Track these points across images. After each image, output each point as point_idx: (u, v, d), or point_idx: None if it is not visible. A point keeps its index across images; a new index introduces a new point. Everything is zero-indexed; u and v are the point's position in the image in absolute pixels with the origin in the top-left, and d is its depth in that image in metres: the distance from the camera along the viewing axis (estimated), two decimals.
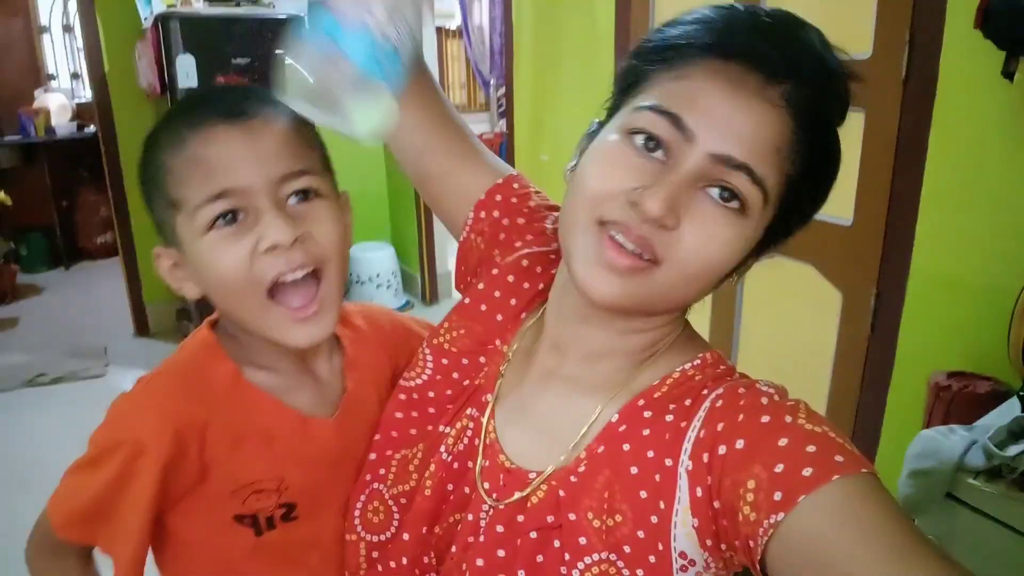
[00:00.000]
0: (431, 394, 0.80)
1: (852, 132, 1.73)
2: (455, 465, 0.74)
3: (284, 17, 3.45)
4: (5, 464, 2.95)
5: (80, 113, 5.66)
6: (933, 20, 1.59)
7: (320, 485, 0.76)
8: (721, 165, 0.58)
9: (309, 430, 0.76)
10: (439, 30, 5.13)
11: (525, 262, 0.81)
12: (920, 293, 1.70)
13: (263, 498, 0.72)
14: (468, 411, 0.76)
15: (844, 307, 1.88)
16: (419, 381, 0.80)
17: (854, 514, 0.52)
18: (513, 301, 0.80)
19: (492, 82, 7.43)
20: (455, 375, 0.79)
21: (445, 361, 0.80)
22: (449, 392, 0.79)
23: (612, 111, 0.67)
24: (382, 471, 0.78)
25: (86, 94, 5.68)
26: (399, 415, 0.80)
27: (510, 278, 0.81)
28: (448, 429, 0.76)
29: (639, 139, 0.61)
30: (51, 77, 5.99)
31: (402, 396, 0.81)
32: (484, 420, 0.74)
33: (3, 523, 2.51)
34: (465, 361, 0.80)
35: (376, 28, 0.55)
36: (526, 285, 0.81)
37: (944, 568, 0.48)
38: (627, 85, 0.66)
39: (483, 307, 0.81)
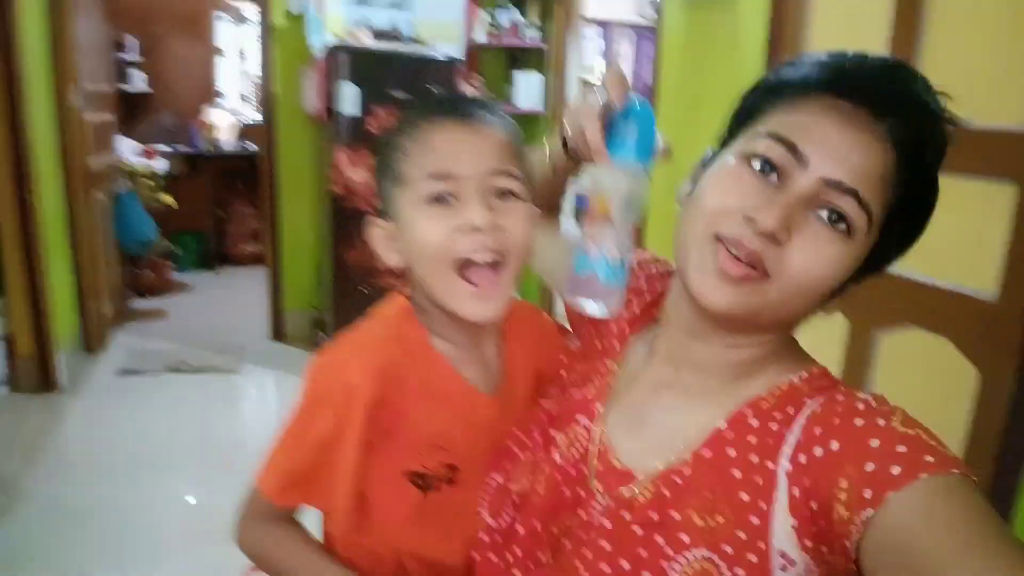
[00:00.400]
0: (551, 405, 0.88)
1: (1001, 204, 1.71)
2: (570, 469, 0.79)
3: (441, 58, 3.66)
4: (142, 440, 3.19)
5: (244, 132, 6.13)
6: None
7: (475, 456, 0.85)
8: (831, 189, 0.65)
9: (474, 401, 0.84)
10: (580, 81, 5.28)
11: (651, 272, 0.92)
12: None
13: (435, 455, 0.81)
14: (580, 419, 0.82)
15: (981, 387, 1.82)
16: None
17: (940, 511, 0.54)
18: (623, 325, 0.89)
19: None
20: (573, 390, 0.88)
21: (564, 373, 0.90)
22: (564, 403, 0.87)
23: (726, 141, 0.75)
24: (507, 464, 0.85)
25: (251, 115, 6.15)
26: (533, 428, 0.88)
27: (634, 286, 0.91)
28: (560, 436, 0.83)
29: (756, 163, 0.68)
30: (221, 96, 6.51)
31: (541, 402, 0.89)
32: (596, 428, 0.80)
33: (133, 493, 2.74)
34: (575, 377, 0.89)
35: (611, 255, 0.74)
36: (636, 310, 0.89)
37: None
38: (744, 117, 0.74)
39: (597, 343, 0.91)
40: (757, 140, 0.69)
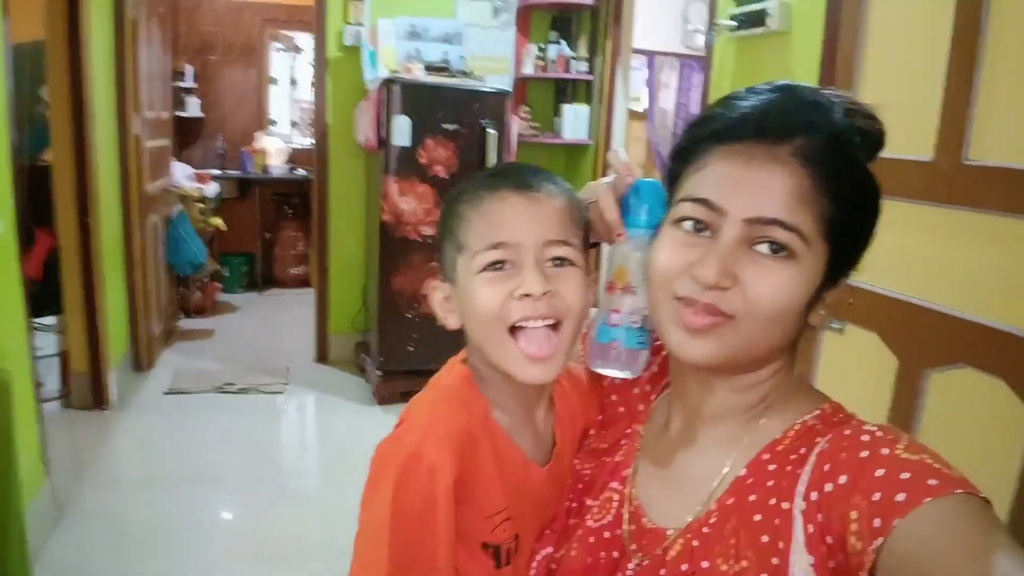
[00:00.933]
0: (584, 470, 0.91)
1: None
2: (604, 534, 0.81)
3: (491, 90, 3.72)
4: (190, 458, 3.26)
5: (293, 158, 6.26)
6: None
7: (532, 526, 0.86)
8: (757, 225, 0.68)
9: (529, 473, 0.86)
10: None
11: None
12: None
13: (507, 527, 0.82)
14: (611, 484, 0.84)
15: None
16: (583, 463, 0.92)
17: (945, 530, 0.55)
18: (646, 387, 0.92)
19: (670, 164, 7.52)
20: (604, 458, 0.90)
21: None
22: (596, 470, 0.89)
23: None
24: (547, 532, 0.87)
25: (300, 141, 6.29)
26: (570, 496, 0.90)
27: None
28: (593, 502, 0.85)
29: (687, 225, 0.73)
30: (272, 122, 6.67)
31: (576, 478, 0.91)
32: (627, 491, 0.82)
33: (180, 510, 2.80)
34: (605, 445, 0.91)
35: (633, 322, 0.81)
36: (655, 368, 0.92)
37: None
38: (671, 185, 0.79)
39: (621, 409, 0.94)
40: (679, 205, 0.74)
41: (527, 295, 0.78)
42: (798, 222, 0.68)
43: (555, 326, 0.80)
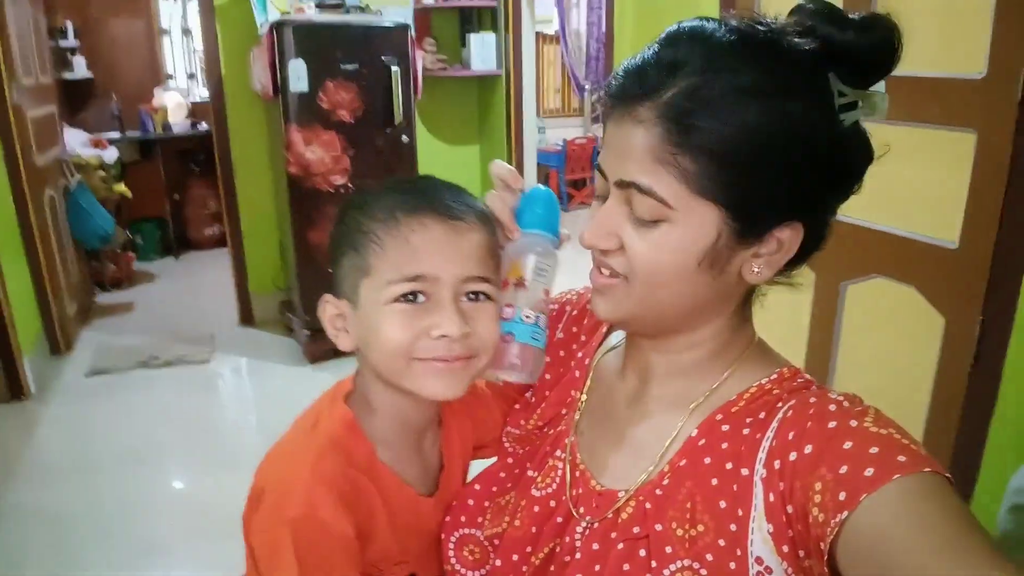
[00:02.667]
0: (521, 450, 0.88)
1: (963, 153, 1.70)
2: (550, 503, 0.79)
3: (391, 25, 3.56)
4: (121, 439, 3.16)
5: (194, 111, 5.96)
6: None
7: (427, 556, 0.84)
8: (625, 188, 0.68)
9: (419, 509, 0.82)
10: (537, 35, 5.19)
11: (572, 314, 0.94)
12: None
13: (402, 569, 0.80)
14: (556, 453, 0.82)
15: (946, 333, 1.84)
16: (516, 446, 0.89)
17: (913, 511, 0.54)
18: (579, 354, 0.89)
19: (587, 87, 7.45)
20: (545, 429, 0.87)
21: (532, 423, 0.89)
22: (538, 444, 0.86)
23: None
24: (479, 519, 0.84)
25: (200, 93, 5.99)
26: (502, 474, 0.87)
27: (563, 337, 0.93)
28: (535, 473, 0.83)
29: (597, 190, 0.75)
30: (169, 77, 6.33)
31: (505, 456, 0.89)
32: (567, 456, 0.81)
33: (119, 493, 2.72)
34: (542, 423, 0.88)
35: (526, 317, 0.78)
36: (583, 337, 0.91)
37: (997, 564, 0.50)
38: None
39: (548, 377, 0.90)
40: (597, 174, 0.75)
41: (444, 337, 0.72)
42: (653, 184, 0.65)
43: (466, 360, 0.75)
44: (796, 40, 0.64)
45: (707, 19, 0.67)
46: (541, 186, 0.82)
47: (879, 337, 2.05)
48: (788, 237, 0.68)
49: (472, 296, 0.75)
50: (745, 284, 0.71)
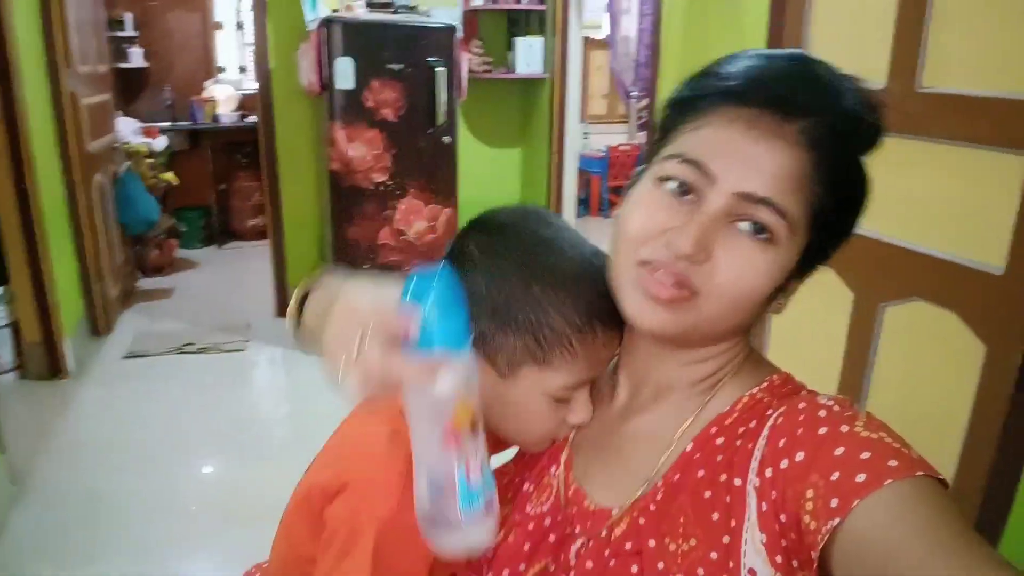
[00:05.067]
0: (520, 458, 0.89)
1: (1012, 175, 1.66)
2: (545, 521, 0.78)
3: (438, 25, 3.58)
4: (154, 422, 3.22)
5: (243, 104, 6.07)
6: None
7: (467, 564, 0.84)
8: (745, 201, 0.63)
9: None
10: (585, 40, 5.18)
11: None
12: None
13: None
14: (552, 469, 0.82)
15: (987, 361, 1.79)
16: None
17: (906, 515, 0.53)
18: None
19: (634, 94, 7.42)
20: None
21: None
22: (533, 464, 0.86)
23: (650, 158, 0.73)
24: None
25: (251, 86, 6.09)
26: (504, 481, 0.87)
27: None
28: (531, 487, 0.82)
29: (670, 185, 0.66)
30: (221, 69, 6.44)
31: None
32: (561, 473, 0.80)
33: (149, 475, 2.77)
34: None
35: (468, 480, 0.63)
36: None
37: (992, 567, 0.49)
38: (661, 136, 0.71)
39: None
40: (667, 162, 0.67)
41: (579, 425, 0.80)
42: (788, 206, 0.63)
43: None
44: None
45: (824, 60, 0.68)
46: (415, 274, 0.62)
47: (916, 362, 2.00)
48: (805, 279, 0.71)
49: None
50: (764, 312, 0.71)
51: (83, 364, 3.64)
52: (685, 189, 0.66)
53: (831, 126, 0.63)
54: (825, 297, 2.16)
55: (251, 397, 3.71)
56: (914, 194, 1.92)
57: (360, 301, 0.64)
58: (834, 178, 0.64)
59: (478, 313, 0.73)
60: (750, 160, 0.63)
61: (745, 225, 0.63)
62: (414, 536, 0.68)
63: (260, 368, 3.93)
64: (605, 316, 0.74)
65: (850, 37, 2.08)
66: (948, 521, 0.53)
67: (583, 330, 0.74)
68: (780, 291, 0.68)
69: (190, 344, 3.94)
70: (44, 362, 3.45)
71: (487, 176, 4.54)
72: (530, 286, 0.74)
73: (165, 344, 3.95)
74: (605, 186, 7.26)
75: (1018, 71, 1.70)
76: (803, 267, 0.68)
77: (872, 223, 2.15)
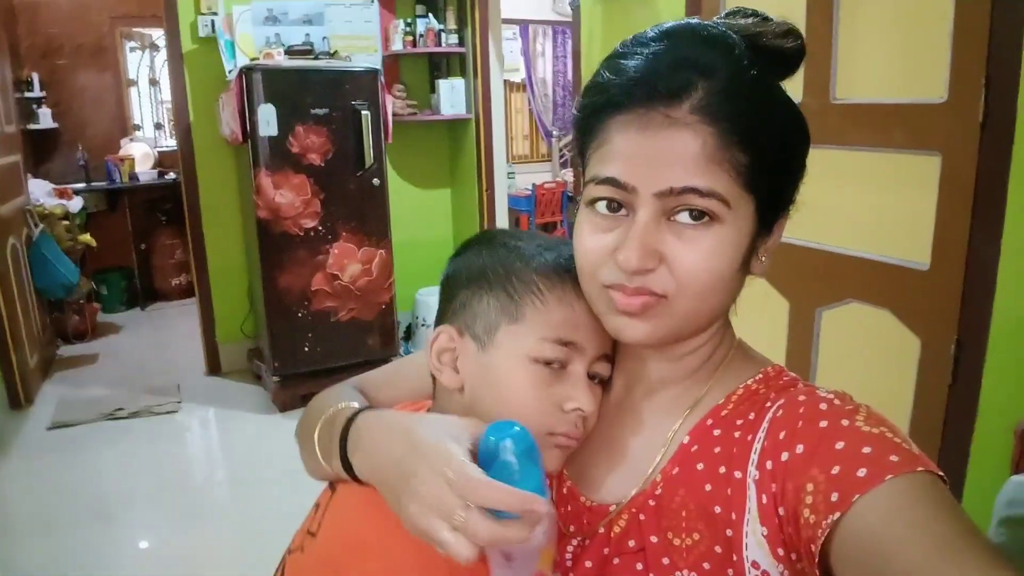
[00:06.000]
0: None
1: (929, 175, 1.73)
2: None
3: (360, 69, 3.58)
4: (86, 494, 3.05)
5: (161, 160, 5.94)
6: (1010, 61, 1.58)
7: None
8: (670, 196, 0.62)
9: None
10: (505, 83, 5.26)
11: None
12: (1003, 339, 1.66)
13: None
14: None
15: (923, 355, 1.85)
16: None
17: (906, 511, 0.53)
18: None
19: (555, 133, 7.57)
20: None
21: None
22: None
23: (582, 184, 0.72)
24: None
25: (168, 143, 5.97)
26: None
27: None
28: None
29: (600, 206, 0.67)
30: (136, 127, 6.29)
31: None
32: (557, 474, 0.78)
33: (82, 551, 2.61)
34: None
35: None
36: None
37: (994, 564, 0.49)
38: (581, 159, 0.72)
39: None
40: (589, 187, 0.68)
41: (581, 414, 0.72)
42: (712, 184, 0.61)
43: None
44: (773, 41, 0.66)
45: (691, 19, 0.67)
46: (510, 429, 0.61)
47: (856, 361, 2.06)
48: (781, 225, 0.70)
49: (595, 379, 0.75)
50: (742, 282, 0.70)
51: (4, 438, 3.44)
52: (615, 205, 0.66)
53: (719, 91, 0.61)
54: (764, 306, 2.20)
55: (186, 460, 3.54)
56: (840, 201, 1.99)
57: (435, 452, 0.60)
58: (749, 136, 0.62)
59: (456, 289, 0.77)
60: (655, 158, 0.62)
61: (683, 216, 0.63)
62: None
63: (194, 429, 3.78)
64: (573, 274, 0.72)
65: None
66: (949, 517, 0.53)
67: (550, 277, 0.73)
68: (749, 256, 0.67)
69: (120, 410, 3.76)
70: None
71: (419, 217, 4.52)
72: (502, 254, 0.76)
73: (92, 411, 3.76)
74: (533, 223, 7.33)
75: (926, 76, 1.79)
76: (766, 221, 0.67)
77: (801, 232, 2.24)
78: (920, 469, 0.55)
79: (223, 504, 3.05)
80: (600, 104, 0.66)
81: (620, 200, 0.65)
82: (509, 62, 6.96)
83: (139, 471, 3.24)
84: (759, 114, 0.63)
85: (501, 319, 0.73)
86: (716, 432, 0.69)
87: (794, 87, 2.09)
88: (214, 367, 4.30)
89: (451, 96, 4.38)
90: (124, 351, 4.89)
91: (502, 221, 4.58)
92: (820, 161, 2.18)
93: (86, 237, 5.00)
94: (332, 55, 3.70)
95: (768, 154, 0.64)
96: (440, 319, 0.79)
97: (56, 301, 4.74)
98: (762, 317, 2.21)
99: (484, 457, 0.60)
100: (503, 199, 4.67)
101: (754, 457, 0.64)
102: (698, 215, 0.63)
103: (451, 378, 0.76)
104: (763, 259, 0.69)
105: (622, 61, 0.65)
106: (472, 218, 4.54)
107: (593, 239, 0.67)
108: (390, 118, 3.79)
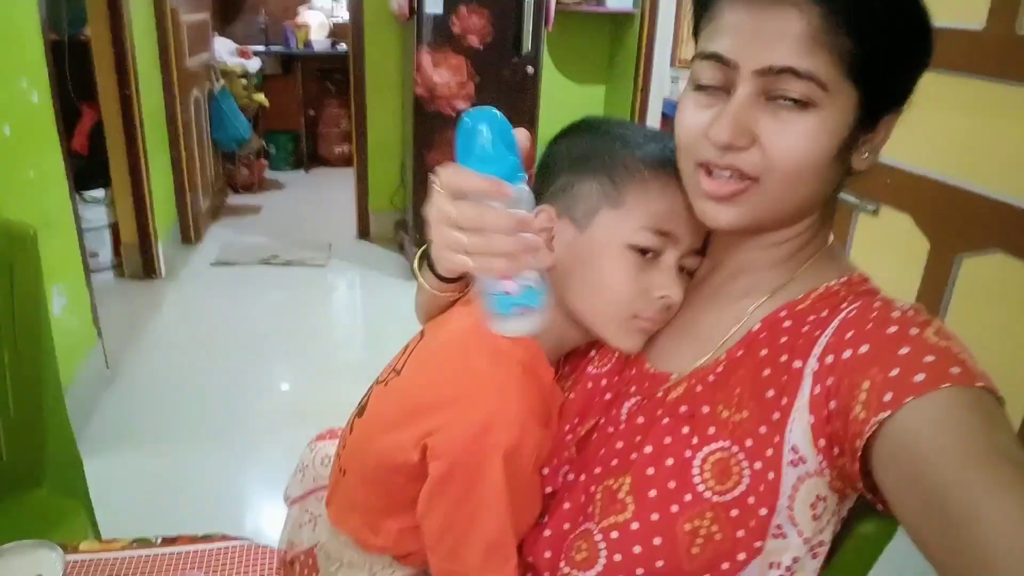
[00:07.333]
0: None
1: None
2: (602, 381, 0.82)
3: None
4: (236, 326, 3.42)
5: (335, 31, 6.15)
6: None
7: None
8: (768, 76, 0.63)
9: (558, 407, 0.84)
10: None
11: None
12: None
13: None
14: None
15: None
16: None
17: (954, 421, 0.54)
18: None
19: None
20: None
21: None
22: None
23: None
24: None
25: (342, 15, 6.17)
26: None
27: None
28: (594, 351, 0.85)
29: (704, 81, 0.68)
30: None
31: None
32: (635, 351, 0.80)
33: (226, 373, 2.95)
34: None
35: (534, 280, 0.69)
36: None
37: None
38: (695, 36, 0.73)
39: None
40: (694, 64, 0.70)
41: (669, 304, 0.76)
42: (813, 67, 0.62)
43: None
44: None
45: None
46: (487, 113, 0.66)
47: (992, 315, 1.95)
48: (890, 123, 0.69)
49: (681, 269, 0.78)
50: (842, 176, 0.71)
51: (173, 268, 3.86)
52: (717, 85, 0.67)
53: None
54: (902, 244, 2.12)
55: (328, 312, 3.87)
56: (1003, 142, 1.86)
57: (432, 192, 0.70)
58: (856, 21, 0.62)
59: (557, 171, 0.79)
60: (760, 36, 0.63)
61: (780, 100, 0.64)
62: (534, 460, 0.73)
63: (339, 285, 4.08)
64: (674, 166, 0.74)
65: None
66: (996, 434, 0.54)
67: (654, 167, 0.75)
68: (849, 147, 0.67)
69: (275, 257, 4.12)
70: (139, 263, 3.68)
71: (569, 109, 4.47)
72: (607, 139, 0.78)
73: (251, 255, 4.14)
74: None
75: None
76: (871, 115, 0.67)
77: (955, 171, 2.10)
78: (979, 385, 0.56)
79: (352, 357, 3.32)
80: None
81: (721, 80, 0.67)
82: None
83: (284, 315, 3.57)
84: (879, 5, 0.63)
85: (602, 203, 0.75)
86: (787, 324, 0.71)
87: (977, 13, 1.97)
88: (364, 232, 4.57)
89: None
90: (285, 206, 5.27)
91: (653, 123, 4.50)
92: (991, 96, 2.03)
93: (260, 97, 5.34)
94: None
95: (877, 43, 0.63)
96: (538, 200, 0.78)
97: (229, 153, 5.14)
98: (900, 255, 2.13)
99: (464, 139, 0.66)
100: (657, 103, 4.57)
101: (817, 350, 0.66)
102: (795, 99, 0.63)
103: (546, 257, 0.74)
104: (866, 155, 0.69)
105: None
106: (623, 116, 4.49)
107: (693, 115, 0.69)
108: (552, 4, 3.77)
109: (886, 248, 2.17)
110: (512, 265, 0.66)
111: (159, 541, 1.04)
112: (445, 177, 0.66)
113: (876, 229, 2.18)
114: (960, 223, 1.99)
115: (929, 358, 0.58)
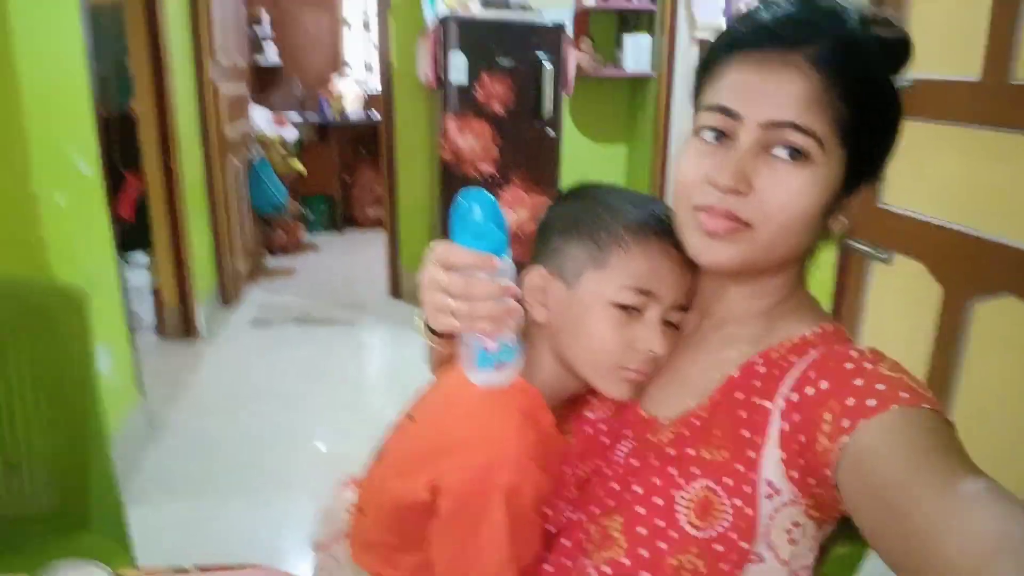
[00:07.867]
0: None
1: None
2: (600, 425, 0.88)
3: (547, 23, 3.74)
4: (277, 385, 3.53)
5: (369, 102, 6.42)
6: None
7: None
8: (772, 129, 0.70)
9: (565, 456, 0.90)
10: (700, 42, 5.20)
11: None
12: None
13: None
14: None
15: None
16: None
17: (906, 438, 0.59)
18: None
19: None
20: None
21: None
22: None
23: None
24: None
25: (375, 86, 6.44)
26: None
27: None
28: (593, 398, 0.92)
29: (707, 134, 0.75)
30: (347, 66, 6.82)
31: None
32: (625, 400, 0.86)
33: (262, 429, 3.05)
34: None
35: (511, 339, 0.79)
36: None
37: (984, 492, 0.53)
38: (695, 99, 0.81)
39: None
40: (700, 115, 0.76)
41: (652, 356, 0.81)
42: (812, 124, 0.69)
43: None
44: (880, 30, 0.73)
45: None
46: (478, 195, 0.76)
47: (1006, 359, 1.96)
48: (863, 194, 0.76)
49: (671, 325, 0.84)
50: (819, 236, 0.77)
51: (213, 328, 4.01)
52: (720, 134, 0.73)
53: (835, 47, 0.69)
54: (915, 292, 2.14)
55: (360, 368, 3.97)
56: (1007, 188, 1.91)
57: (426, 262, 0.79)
58: (851, 93, 0.69)
59: (550, 234, 0.87)
60: (767, 92, 0.70)
61: (779, 151, 0.70)
62: (533, 500, 0.79)
63: (371, 343, 4.20)
64: (662, 233, 0.80)
65: (945, 31, 2.08)
66: (943, 443, 0.58)
67: (635, 231, 0.81)
68: (831, 209, 0.74)
69: (309, 316, 4.26)
70: (179, 324, 3.84)
71: (591, 170, 4.63)
72: (594, 206, 0.85)
73: (287, 315, 4.30)
74: None
75: None
76: (851, 183, 0.74)
77: (963, 217, 2.11)
78: (926, 406, 0.61)
79: (385, 413, 3.35)
80: (725, 43, 0.75)
81: (725, 129, 0.73)
82: (708, 20, 6.77)
83: (319, 372, 3.67)
84: (865, 77, 0.70)
85: (588, 264, 0.82)
86: (761, 369, 0.76)
87: (970, 66, 2.03)
88: (395, 291, 4.69)
89: (636, 52, 4.43)
90: (320, 267, 5.44)
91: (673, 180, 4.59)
92: (992, 144, 2.07)
93: (297, 164, 5.56)
94: (524, 8, 3.87)
95: (867, 115, 0.71)
96: (534, 260, 0.88)
97: (266, 217, 5.34)
98: (915, 302, 2.16)
99: (459, 216, 0.75)
100: (677, 160, 4.68)
101: (783, 390, 0.72)
102: (794, 152, 0.70)
103: (541, 314, 0.85)
104: (842, 218, 0.76)
105: (753, 14, 0.74)
106: (643, 176, 4.61)
107: (693, 163, 0.75)
108: (571, 71, 3.93)
109: (902, 296, 2.21)
110: (493, 327, 0.75)
111: (195, 569, 1.12)
112: (439, 252, 0.76)
113: (891, 278, 2.22)
114: (970, 268, 2.02)
115: (880, 386, 0.64)
